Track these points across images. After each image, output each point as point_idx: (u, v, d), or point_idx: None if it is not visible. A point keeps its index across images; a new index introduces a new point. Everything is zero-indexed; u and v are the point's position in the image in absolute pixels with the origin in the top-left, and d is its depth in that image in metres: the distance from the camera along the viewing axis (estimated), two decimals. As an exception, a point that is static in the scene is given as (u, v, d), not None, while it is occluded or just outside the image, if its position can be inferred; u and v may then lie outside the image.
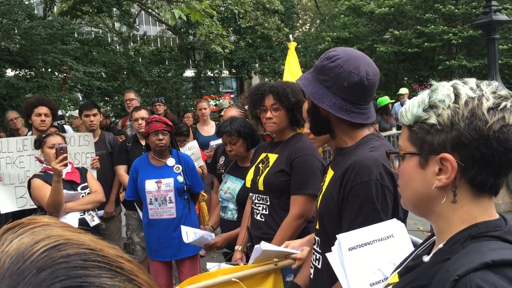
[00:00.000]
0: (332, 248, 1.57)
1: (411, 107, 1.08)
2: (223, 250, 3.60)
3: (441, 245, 1.05)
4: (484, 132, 0.97)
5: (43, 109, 4.50)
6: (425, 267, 1.06)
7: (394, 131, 9.10)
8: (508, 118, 0.98)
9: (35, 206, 3.78)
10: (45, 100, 4.73)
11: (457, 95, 1.01)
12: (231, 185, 3.42)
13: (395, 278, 1.19)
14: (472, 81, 1.04)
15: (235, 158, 3.49)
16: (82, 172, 3.90)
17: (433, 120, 1.02)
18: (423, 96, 1.07)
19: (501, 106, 0.98)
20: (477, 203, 1.03)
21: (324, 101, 1.79)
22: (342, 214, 1.78)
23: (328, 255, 1.58)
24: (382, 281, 1.46)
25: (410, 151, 1.09)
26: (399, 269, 1.20)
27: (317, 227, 1.99)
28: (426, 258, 1.07)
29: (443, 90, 1.03)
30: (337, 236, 1.55)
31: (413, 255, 1.21)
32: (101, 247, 0.53)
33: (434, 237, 1.15)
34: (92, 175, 4.04)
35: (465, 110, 0.99)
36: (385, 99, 9.33)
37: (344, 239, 1.53)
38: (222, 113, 5.76)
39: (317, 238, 2.00)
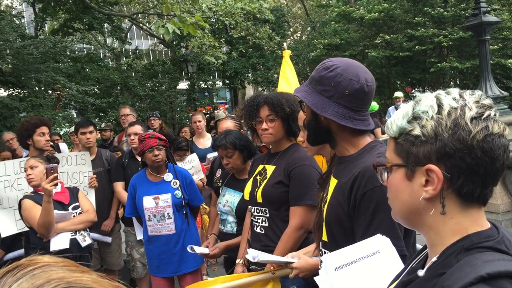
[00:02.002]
0: (319, 271, 1.56)
1: (396, 119, 1.08)
2: (222, 256, 3.59)
3: (434, 258, 1.04)
4: (468, 142, 0.96)
5: (45, 129, 4.49)
6: (420, 282, 1.05)
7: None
8: (492, 127, 0.97)
9: None
10: (45, 120, 4.72)
11: (440, 106, 1.01)
12: (229, 198, 3.41)
13: None
14: (455, 91, 1.04)
15: (232, 171, 3.48)
16: (74, 191, 3.86)
17: (417, 131, 1.02)
18: (407, 107, 1.07)
19: (484, 116, 0.98)
20: (466, 213, 1.02)
21: (327, 111, 1.80)
22: (354, 222, 1.77)
23: (316, 278, 1.58)
24: None
25: (396, 163, 1.09)
26: (394, 284, 1.19)
27: (324, 238, 1.95)
28: (421, 273, 1.06)
29: (426, 101, 1.03)
30: (321, 258, 1.53)
31: (408, 268, 1.19)
32: None
33: (427, 249, 1.13)
34: (83, 194, 4.01)
35: (448, 120, 0.99)
36: (373, 105, 9.36)
37: (329, 259, 1.53)
38: (215, 123, 5.76)
39: (324, 250, 1.95)
